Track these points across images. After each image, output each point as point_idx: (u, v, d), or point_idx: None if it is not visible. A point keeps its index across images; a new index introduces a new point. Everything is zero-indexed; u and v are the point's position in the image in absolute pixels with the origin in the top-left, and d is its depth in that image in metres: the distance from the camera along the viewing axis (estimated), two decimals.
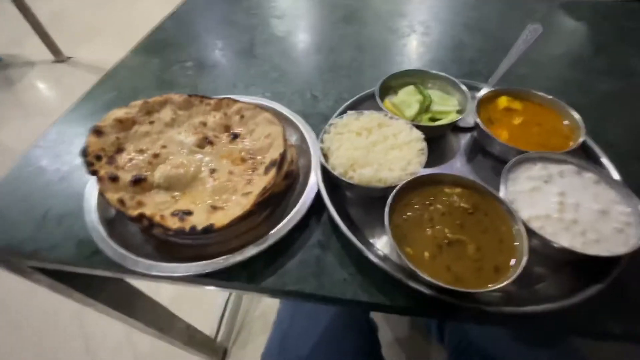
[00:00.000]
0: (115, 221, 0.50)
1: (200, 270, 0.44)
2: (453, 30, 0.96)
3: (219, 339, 1.40)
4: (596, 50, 0.87)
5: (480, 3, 1.08)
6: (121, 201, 0.46)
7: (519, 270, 0.38)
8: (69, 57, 3.03)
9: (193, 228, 0.44)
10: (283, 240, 0.49)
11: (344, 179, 0.49)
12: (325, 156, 0.54)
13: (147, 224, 0.45)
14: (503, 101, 0.62)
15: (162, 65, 0.83)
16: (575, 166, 0.51)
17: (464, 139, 0.64)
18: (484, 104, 0.62)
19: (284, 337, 0.68)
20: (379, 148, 0.52)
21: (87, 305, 0.71)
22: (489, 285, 0.38)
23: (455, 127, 0.64)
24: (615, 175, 0.53)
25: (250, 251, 0.46)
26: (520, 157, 0.51)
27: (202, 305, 1.47)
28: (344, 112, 0.63)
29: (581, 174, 0.50)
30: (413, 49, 0.89)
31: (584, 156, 0.58)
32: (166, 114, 0.58)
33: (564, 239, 0.43)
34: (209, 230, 0.44)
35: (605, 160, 0.55)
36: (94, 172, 0.47)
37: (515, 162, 0.51)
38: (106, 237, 0.47)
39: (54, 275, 0.58)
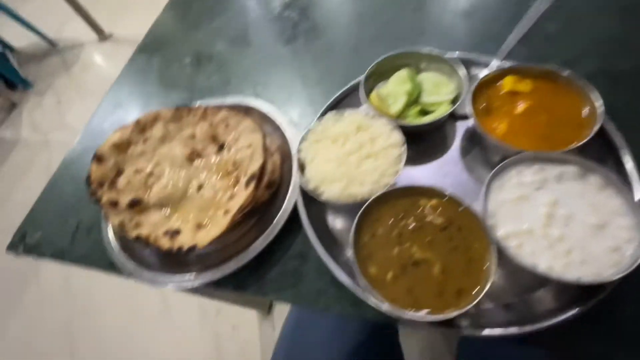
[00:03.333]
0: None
1: (191, 283, 0.51)
2: None
3: None
4: None
5: None
6: (121, 224, 0.52)
7: (467, 307, 0.37)
8: (111, 34, 3.19)
9: (180, 248, 0.50)
10: (265, 251, 0.52)
11: (314, 195, 0.50)
12: (303, 166, 0.54)
13: (144, 243, 0.52)
14: (508, 83, 0.54)
15: (162, 64, 0.85)
16: (578, 167, 0.44)
17: (462, 128, 0.58)
18: (483, 88, 0.54)
19: (295, 328, 0.74)
20: (352, 159, 0.50)
21: None
22: (445, 312, 0.38)
23: (453, 115, 0.58)
24: (634, 175, 0.45)
25: (231, 267, 0.50)
26: (512, 159, 0.46)
27: None
28: (329, 110, 0.60)
29: (585, 178, 0.44)
30: (420, 12, 0.78)
31: (604, 148, 0.49)
32: (158, 130, 0.61)
33: (542, 260, 0.40)
34: (192, 250, 0.49)
35: (625, 155, 0.47)
36: (97, 201, 0.54)
37: (505, 165, 0.46)
38: (118, 252, 0.56)
39: None
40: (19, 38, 3.21)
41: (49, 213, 0.68)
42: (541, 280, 0.44)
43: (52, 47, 3.27)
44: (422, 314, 0.39)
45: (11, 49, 3.23)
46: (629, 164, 0.46)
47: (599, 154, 0.49)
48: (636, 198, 0.43)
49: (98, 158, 0.57)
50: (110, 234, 0.58)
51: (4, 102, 2.93)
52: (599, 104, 0.48)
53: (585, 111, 0.50)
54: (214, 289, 0.52)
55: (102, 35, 3.16)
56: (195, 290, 1.00)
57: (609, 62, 0.60)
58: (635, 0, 0.67)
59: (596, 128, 0.45)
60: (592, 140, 0.46)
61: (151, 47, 0.90)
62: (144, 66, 0.87)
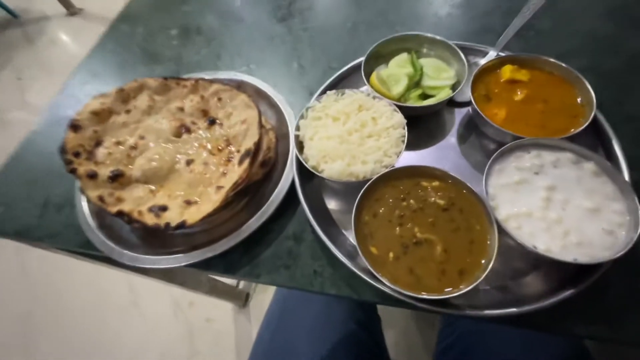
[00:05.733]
0: (104, 212, 0.53)
1: (179, 262, 0.48)
2: None
3: (240, 286, 1.55)
4: None
5: None
6: (101, 198, 0.48)
7: (474, 283, 0.37)
8: (81, 9, 2.97)
9: (167, 224, 0.46)
10: (259, 232, 0.50)
11: (315, 172, 0.48)
12: (301, 144, 0.52)
13: (126, 220, 0.47)
14: (506, 71, 0.54)
15: (146, 35, 0.80)
16: (574, 154, 0.46)
17: (461, 115, 0.59)
18: (483, 75, 0.55)
19: (284, 300, 0.72)
20: (354, 137, 0.49)
21: (110, 267, 0.79)
22: (445, 291, 0.38)
23: (451, 101, 0.58)
24: (623, 164, 0.47)
25: (223, 246, 0.48)
26: (511, 145, 0.47)
27: None
28: (327, 89, 0.58)
29: (579, 164, 0.45)
30: (419, 1, 0.78)
31: (594, 138, 0.51)
32: (143, 100, 0.57)
33: (541, 241, 0.40)
34: (181, 226, 0.46)
35: (616, 145, 0.49)
36: (72, 171, 0.49)
37: (505, 150, 0.46)
38: (95, 229, 0.51)
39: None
40: None
41: (13, 187, 0.61)
42: (534, 263, 0.45)
43: (12, 18, 3.00)
44: (426, 294, 0.39)
45: None
46: (619, 153, 0.48)
47: (590, 143, 0.51)
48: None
49: (74, 126, 0.52)
50: (86, 210, 0.53)
51: None
52: (591, 95, 0.49)
53: (578, 102, 0.51)
54: (202, 270, 0.49)
55: (71, 9, 2.94)
56: (169, 278, 0.95)
57: (597, 59, 0.62)
58: (620, 3, 0.70)
59: (591, 117, 0.47)
60: (583, 131, 0.48)
61: (134, 16, 0.84)
62: (126, 36, 0.81)
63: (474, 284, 0.37)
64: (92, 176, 0.49)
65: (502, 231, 0.41)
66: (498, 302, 0.42)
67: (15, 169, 0.63)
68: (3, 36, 2.89)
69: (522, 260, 0.45)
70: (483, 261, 0.40)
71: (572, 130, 0.47)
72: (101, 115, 0.54)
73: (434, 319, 1.27)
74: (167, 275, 0.98)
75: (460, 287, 0.39)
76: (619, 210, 0.41)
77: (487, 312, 0.40)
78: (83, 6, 2.97)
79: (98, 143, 0.53)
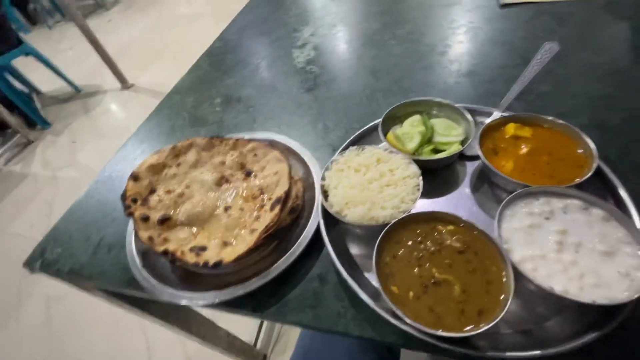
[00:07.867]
0: (149, 253, 0.59)
1: (212, 300, 0.52)
2: (474, 47, 0.94)
3: (258, 345, 1.50)
4: (638, 58, 0.79)
5: (508, 12, 1.03)
6: (150, 238, 0.55)
7: (495, 320, 0.39)
8: (133, 84, 3.45)
9: (206, 263, 0.51)
10: (286, 273, 0.54)
11: (338, 217, 0.53)
12: (326, 192, 0.58)
13: (170, 258, 0.53)
14: (510, 129, 0.60)
15: (194, 104, 0.94)
16: (581, 201, 0.49)
17: (472, 167, 0.64)
18: (489, 132, 0.61)
19: (305, 355, 0.73)
20: (374, 185, 0.54)
21: (136, 314, 0.83)
22: (466, 330, 0.39)
23: (462, 156, 0.64)
24: (633, 210, 0.49)
25: (253, 284, 0.52)
26: (521, 192, 0.50)
27: None
28: (349, 146, 0.66)
29: (588, 210, 0.48)
30: (429, 71, 0.89)
31: (601, 187, 0.54)
32: (191, 156, 0.67)
33: (558, 283, 0.42)
34: (218, 265, 0.51)
35: (622, 192, 0.51)
36: (130, 214, 0.57)
37: (515, 196, 0.50)
38: (140, 267, 0.57)
39: (108, 291, 0.70)
40: (47, 82, 3.47)
41: (71, 230, 0.69)
42: (557, 308, 0.45)
43: (76, 92, 3.51)
44: (448, 332, 0.40)
45: (38, 92, 3.47)
46: (627, 200, 0.50)
47: (599, 192, 0.54)
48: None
49: (134, 177, 0.61)
50: (134, 249, 0.59)
51: (21, 139, 3.05)
52: (592, 147, 0.54)
53: (581, 153, 0.56)
54: (233, 309, 0.53)
55: (125, 84, 3.41)
56: (189, 330, 0.96)
57: (598, 116, 0.68)
58: (614, 68, 0.77)
59: (594, 166, 0.51)
60: (590, 180, 0.51)
61: (185, 88, 1.00)
62: (178, 104, 0.96)
63: (494, 322, 0.38)
64: (145, 219, 0.56)
65: (520, 274, 0.43)
66: (521, 345, 0.42)
67: (74, 216, 0.72)
68: (66, 107, 3.36)
69: (545, 304, 0.46)
70: (501, 301, 0.42)
71: (577, 179, 0.50)
72: (156, 168, 0.64)
73: None
74: (187, 327, 0.99)
75: (481, 326, 0.40)
76: (632, 253, 0.43)
77: (509, 354, 0.40)
78: (135, 82, 3.45)
79: (152, 191, 0.61)
